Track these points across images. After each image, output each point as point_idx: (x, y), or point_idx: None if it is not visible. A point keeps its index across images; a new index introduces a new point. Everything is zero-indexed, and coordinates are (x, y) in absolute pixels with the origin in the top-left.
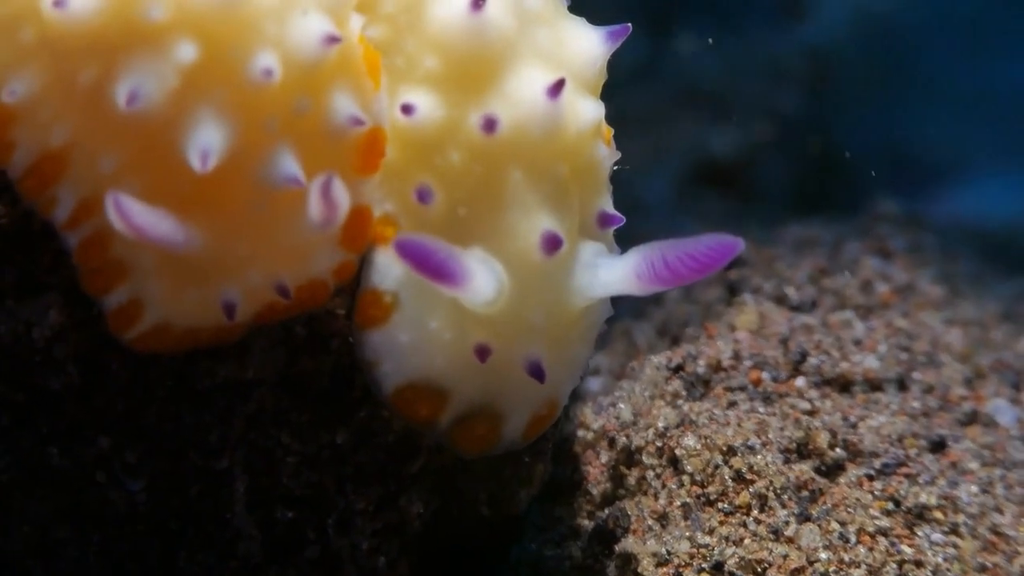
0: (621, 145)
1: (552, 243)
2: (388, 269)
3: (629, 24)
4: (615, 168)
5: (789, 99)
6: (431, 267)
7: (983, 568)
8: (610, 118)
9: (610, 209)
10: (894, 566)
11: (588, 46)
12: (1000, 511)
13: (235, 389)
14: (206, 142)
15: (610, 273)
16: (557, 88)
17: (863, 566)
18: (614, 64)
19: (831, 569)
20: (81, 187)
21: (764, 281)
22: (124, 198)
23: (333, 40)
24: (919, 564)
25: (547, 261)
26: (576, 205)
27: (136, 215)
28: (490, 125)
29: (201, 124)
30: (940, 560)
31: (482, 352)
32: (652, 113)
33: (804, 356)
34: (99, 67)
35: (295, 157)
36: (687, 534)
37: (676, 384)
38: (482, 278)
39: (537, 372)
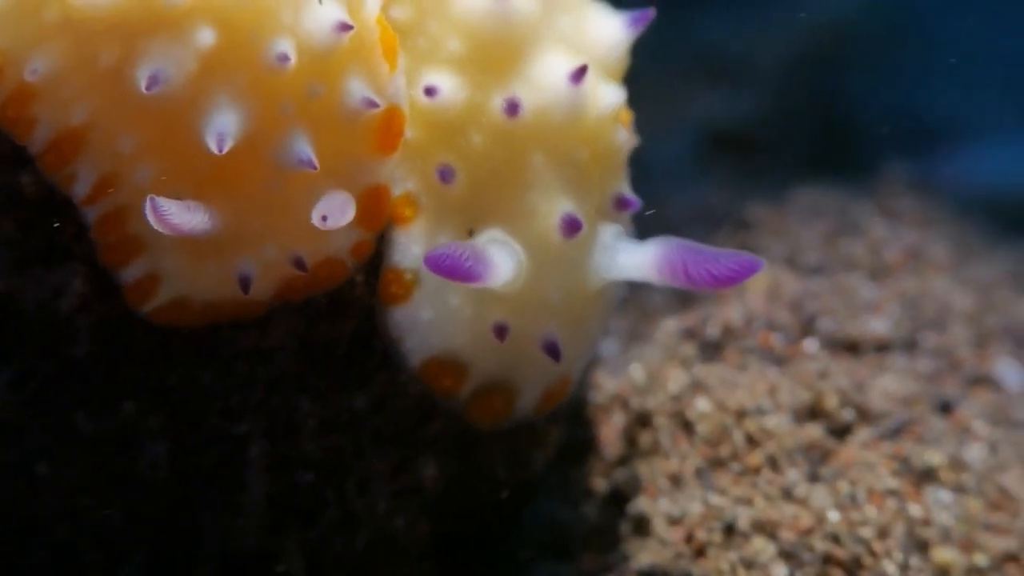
0: (634, 111)
1: (572, 226)
2: (408, 248)
3: (652, 9)
4: None
5: (800, 64)
6: (461, 274)
7: (989, 526)
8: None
9: (627, 193)
10: (903, 525)
11: (610, 32)
12: (1006, 470)
13: (256, 356)
14: (223, 125)
15: (629, 258)
16: (580, 74)
17: (872, 525)
18: None
19: (841, 529)
20: (100, 165)
21: (775, 244)
22: (161, 201)
23: (346, 28)
24: (927, 523)
25: (566, 243)
26: (596, 188)
27: (174, 216)
28: (513, 108)
29: (218, 107)
30: (947, 519)
31: (500, 330)
32: (664, 80)
33: (814, 319)
34: (120, 49)
35: (309, 140)
36: (699, 495)
37: (689, 347)
38: (503, 264)
39: (553, 351)
